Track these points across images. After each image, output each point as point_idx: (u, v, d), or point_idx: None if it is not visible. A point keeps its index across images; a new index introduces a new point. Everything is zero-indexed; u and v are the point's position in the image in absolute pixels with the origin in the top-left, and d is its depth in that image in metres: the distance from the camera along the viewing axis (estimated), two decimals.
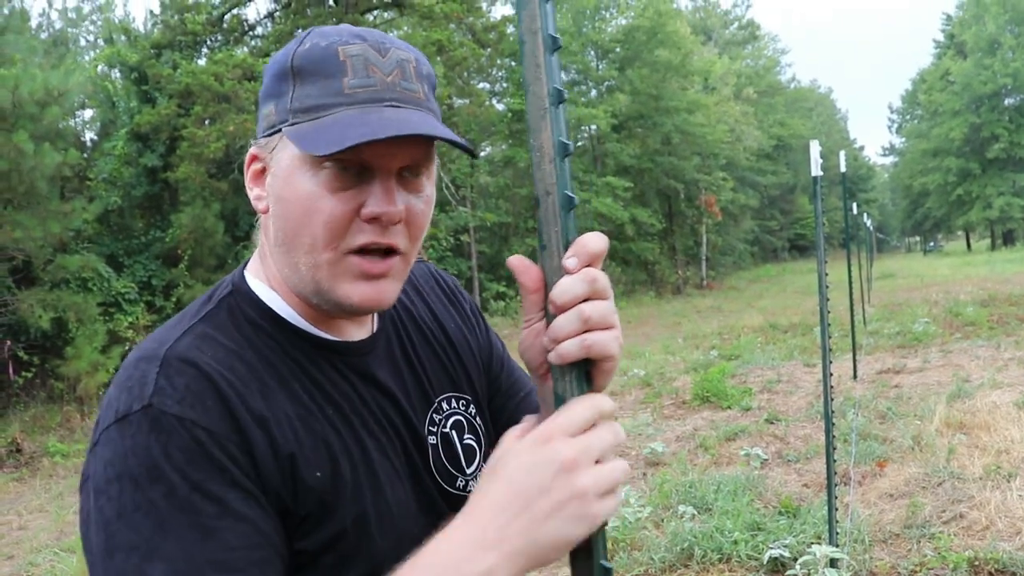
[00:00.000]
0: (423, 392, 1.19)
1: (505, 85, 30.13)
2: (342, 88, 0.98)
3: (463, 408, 1.23)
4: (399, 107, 0.99)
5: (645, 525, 5.55)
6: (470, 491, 1.07)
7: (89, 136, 18.55)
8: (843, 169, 9.49)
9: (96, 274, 14.91)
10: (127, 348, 14.97)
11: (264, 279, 1.09)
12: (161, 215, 17.27)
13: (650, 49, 32.72)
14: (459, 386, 1.25)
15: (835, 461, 4.68)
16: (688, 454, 7.41)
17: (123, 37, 18.10)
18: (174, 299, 16.09)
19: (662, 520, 5.64)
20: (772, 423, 8.27)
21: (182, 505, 0.86)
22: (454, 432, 1.20)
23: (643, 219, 31.91)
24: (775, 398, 9.56)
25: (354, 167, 0.98)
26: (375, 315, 1.17)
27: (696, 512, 5.69)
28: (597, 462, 0.84)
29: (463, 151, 1.04)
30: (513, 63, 29.25)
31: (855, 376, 10.05)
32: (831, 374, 4.59)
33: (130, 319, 15.14)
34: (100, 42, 19.97)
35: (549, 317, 0.87)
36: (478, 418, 1.25)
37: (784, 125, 56.30)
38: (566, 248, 0.85)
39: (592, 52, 34.48)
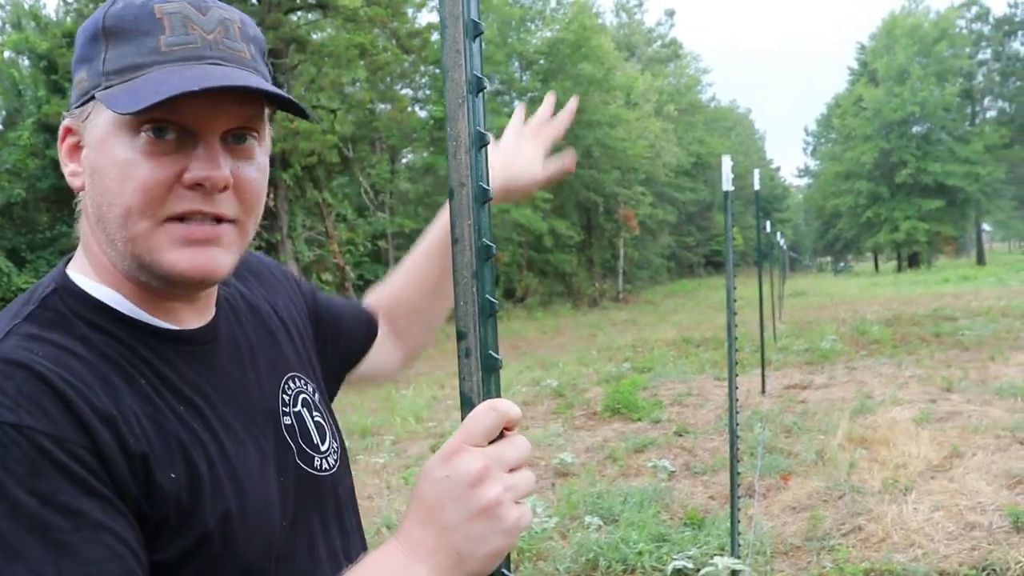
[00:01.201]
0: (270, 375, 1.13)
1: (428, 92, 30.05)
2: (158, 46, 0.91)
3: (304, 386, 1.18)
4: (221, 65, 0.93)
5: (551, 535, 5.52)
6: (326, 471, 1.13)
7: None
8: (757, 187, 9.66)
9: None
10: None
11: (90, 272, 1.00)
12: (68, 209, 16.66)
13: (574, 62, 33.03)
14: (299, 366, 1.20)
15: (740, 474, 4.73)
16: (597, 465, 7.43)
17: (33, 24, 17.49)
18: None
19: (568, 530, 5.62)
20: (681, 435, 8.34)
21: (31, 524, 0.77)
22: (304, 410, 1.15)
23: (562, 231, 32.14)
24: (685, 411, 9.66)
25: (174, 131, 0.91)
26: (214, 301, 1.09)
27: (602, 523, 5.69)
28: (510, 471, 0.83)
29: (295, 113, 0.98)
30: (437, 70, 29.20)
31: (763, 391, 10.22)
32: (737, 387, 4.63)
33: None
34: (8, 28, 19.28)
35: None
36: (317, 395, 1.20)
37: (703, 143, 57.33)
38: (479, 243, 0.81)
39: (516, 63, 34.61)
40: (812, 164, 74.21)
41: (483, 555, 0.81)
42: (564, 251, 34.26)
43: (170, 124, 0.91)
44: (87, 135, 0.95)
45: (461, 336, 0.82)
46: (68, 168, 1.00)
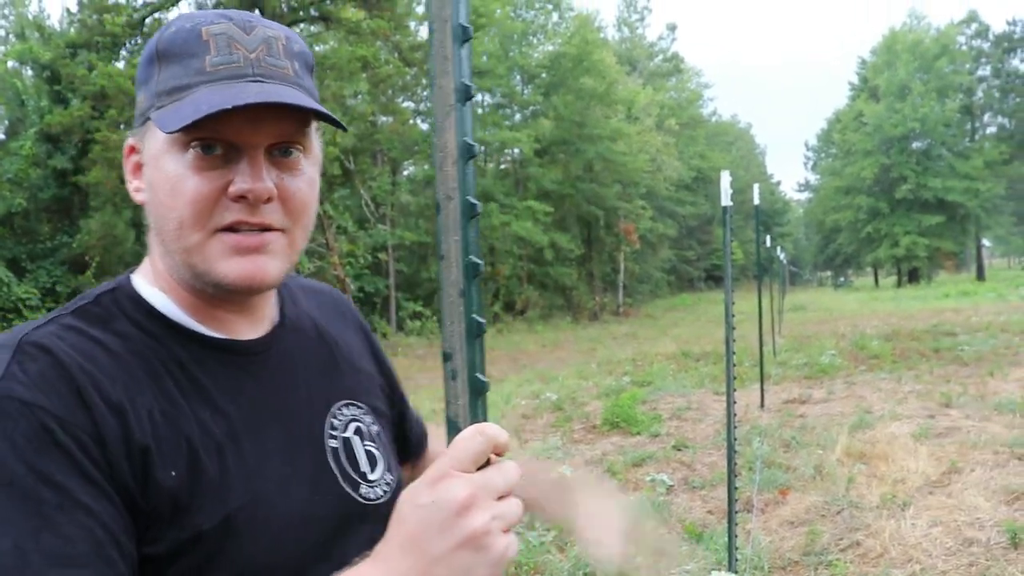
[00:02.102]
0: (321, 398, 1.14)
1: (429, 105, 30.02)
2: (204, 67, 0.96)
3: (361, 415, 1.19)
4: (263, 82, 0.97)
5: (549, 549, 5.51)
6: (373, 500, 1.13)
7: None
8: (757, 202, 9.68)
9: None
10: None
11: (150, 278, 1.06)
12: (69, 220, 16.75)
13: (575, 76, 33.09)
14: (357, 394, 1.21)
15: (738, 488, 4.73)
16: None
17: (36, 34, 17.55)
18: None
19: (566, 544, 5.61)
20: (680, 450, 8.33)
21: (23, 494, 0.82)
22: (356, 437, 1.16)
23: (562, 244, 32.17)
24: (684, 425, 9.66)
25: (221, 146, 0.96)
26: (269, 316, 1.14)
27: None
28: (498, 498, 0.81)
29: (333, 125, 1.01)
30: None
31: (762, 405, 10.21)
32: (735, 402, 4.63)
33: None
34: (12, 38, 19.34)
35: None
36: (374, 426, 1.21)
37: (704, 157, 57.43)
38: (466, 260, 0.78)
39: (518, 76, 34.71)
40: (812, 179, 74.34)
41: None
42: (564, 264, 34.30)
43: (216, 140, 0.96)
44: (146, 153, 1.01)
45: (447, 357, 0.79)
46: (132, 184, 1.06)
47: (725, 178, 4.43)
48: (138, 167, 1.04)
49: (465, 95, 0.78)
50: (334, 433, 1.13)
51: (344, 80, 20.38)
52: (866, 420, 8.73)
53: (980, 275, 55.11)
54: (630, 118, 40.15)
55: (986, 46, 56.94)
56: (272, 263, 1.01)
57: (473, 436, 0.79)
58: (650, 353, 18.57)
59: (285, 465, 1.04)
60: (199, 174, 0.96)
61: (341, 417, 1.15)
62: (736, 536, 4.60)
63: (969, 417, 8.61)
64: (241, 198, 0.96)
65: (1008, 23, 57.60)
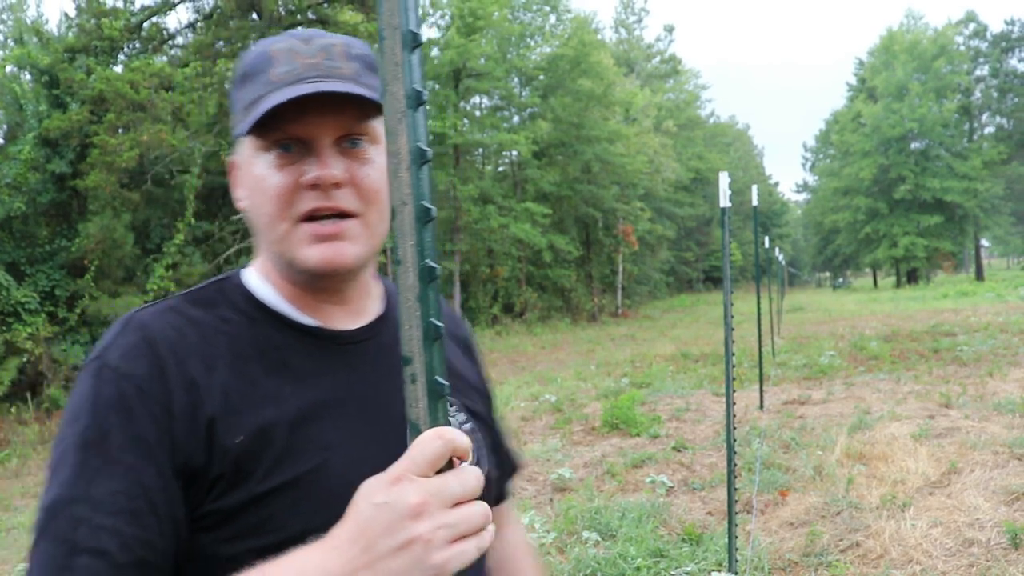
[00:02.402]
0: None
1: (427, 108, 30.06)
2: (270, 78, 1.09)
3: (454, 411, 1.26)
4: (319, 81, 1.07)
5: (549, 551, 5.52)
6: None
7: None
8: (755, 203, 9.69)
9: None
10: (24, 360, 14.39)
11: (259, 271, 1.19)
12: (68, 223, 16.70)
13: (573, 78, 33.05)
14: (452, 394, 1.25)
15: (738, 489, 4.73)
16: (595, 480, 7.42)
17: (35, 38, 17.51)
18: (78, 310, 15.53)
19: (566, 546, 5.62)
20: (679, 451, 8.34)
21: (85, 444, 0.97)
22: None
23: (561, 246, 32.10)
24: (683, 426, 9.66)
25: (295, 145, 1.08)
26: (369, 309, 1.23)
27: (600, 538, 5.69)
28: (452, 506, 0.81)
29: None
30: (437, 85, 29.25)
31: (762, 406, 10.22)
32: (735, 403, 4.64)
33: (29, 330, 14.52)
34: (10, 42, 19.33)
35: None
36: (467, 424, 1.27)
37: (702, 158, 57.40)
38: (422, 264, 0.79)
39: (516, 78, 34.69)
40: (811, 180, 74.25)
41: None
42: (563, 266, 34.29)
43: (290, 139, 1.08)
44: (241, 164, 1.15)
45: (406, 361, 0.80)
46: (236, 194, 1.19)
47: (724, 179, 4.44)
48: (238, 179, 1.18)
49: (416, 100, 0.79)
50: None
51: None
52: (865, 421, 8.74)
53: (979, 275, 55.12)
54: (628, 119, 40.14)
55: (984, 46, 56.94)
56: (350, 247, 1.10)
57: (432, 440, 0.80)
58: (649, 354, 18.58)
59: (361, 445, 1.11)
60: (279, 171, 1.08)
61: None
62: (736, 537, 4.60)
63: (968, 418, 8.62)
64: (314, 186, 1.07)
65: (1006, 23, 57.65)
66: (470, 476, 0.82)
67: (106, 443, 0.97)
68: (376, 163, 1.12)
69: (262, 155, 1.09)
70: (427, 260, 0.79)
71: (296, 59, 1.09)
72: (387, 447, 1.09)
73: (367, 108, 1.08)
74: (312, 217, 1.08)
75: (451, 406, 1.23)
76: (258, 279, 1.18)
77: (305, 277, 1.12)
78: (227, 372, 1.05)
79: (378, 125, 1.12)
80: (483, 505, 0.83)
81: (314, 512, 1.02)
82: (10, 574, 6.11)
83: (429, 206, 0.79)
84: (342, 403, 1.11)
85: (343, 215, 1.09)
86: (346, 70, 1.10)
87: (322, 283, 1.14)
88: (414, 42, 0.78)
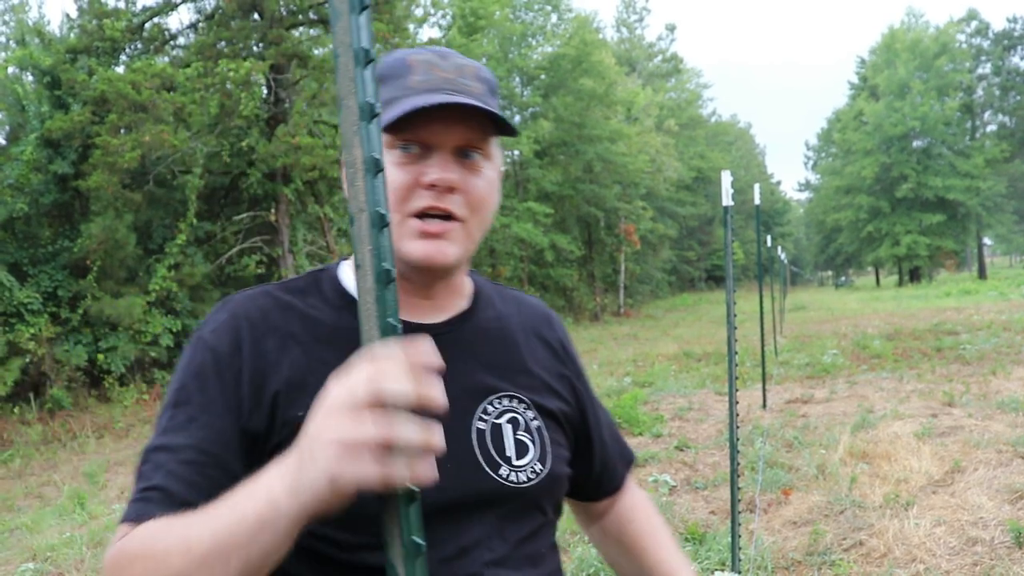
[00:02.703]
0: (482, 385, 1.30)
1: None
2: (408, 84, 1.21)
3: (523, 409, 1.32)
4: (452, 94, 1.18)
5: None
6: (512, 483, 1.26)
7: None
8: (757, 202, 9.67)
9: None
10: (27, 361, 14.39)
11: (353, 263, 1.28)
12: (70, 224, 16.69)
13: (575, 78, 33.03)
14: (523, 391, 1.34)
15: (741, 489, 4.73)
16: None
17: (37, 39, 17.48)
18: (80, 311, 15.53)
19: (569, 545, 5.61)
20: (682, 450, 8.33)
21: (177, 401, 1.17)
22: (509, 426, 1.29)
23: (563, 245, 32.08)
24: (686, 425, 9.65)
25: (418, 147, 1.19)
26: (450, 308, 1.33)
27: None
28: (397, 418, 0.79)
29: (507, 133, 1.24)
30: None
31: (764, 405, 10.21)
32: (738, 402, 4.63)
33: (32, 330, 14.51)
34: (12, 43, 19.30)
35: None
36: (535, 421, 1.33)
37: (704, 158, 57.36)
38: (379, 267, 0.82)
39: (517, 78, 34.69)
40: (813, 178, 74.18)
41: (323, 490, 0.82)
42: (565, 266, 34.27)
43: (414, 142, 1.19)
44: None
45: None
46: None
47: (726, 178, 4.43)
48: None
49: (370, 113, 0.83)
50: (485, 418, 1.28)
51: None
52: (868, 420, 8.73)
53: (981, 274, 55.06)
54: (630, 119, 40.13)
55: (986, 44, 56.85)
56: (451, 248, 1.21)
57: (385, 348, 0.82)
58: (651, 353, 18.57)
59: None
60: (401, 168, 1.19)
61: (497, 406, 1.30)
62: (739, 536, 4.59)
63: (972, 416, 8.61)
64: (432, 186, 1.18)
65: (1008, 20, 57.70)
66: (432, 391, 0.82)
67: (189, 403, 1.15)
68: (486, 176, 1.24)
69: (391, 150, 1.19)
70: (384, 264, 0.83)
71: (433, 71, 1.21)
72: (445, 432, 1.16)
73: (487, 126, 1.21)
74: (421, 215, 1.19)
75: (520, 403, 1.32)
76: (349, 271, 1.30)
77: (402, 269, 1.23)
78: (300, 352, 1.19)
79: (494, 143, 1.26)
80: (417, 427, 0.81)
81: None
82: (12, 574, 6.11)
83: (384, 212, 0.83)
84: None
85: (449, 217, 1.20)
86: (475, 89, 1.22)
87: (418, 277, 1.26)
88: (366, 58, 0.82)
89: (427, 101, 1.13)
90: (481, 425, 1.26)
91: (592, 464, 1.50)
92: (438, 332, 1.24)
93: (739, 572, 4.50)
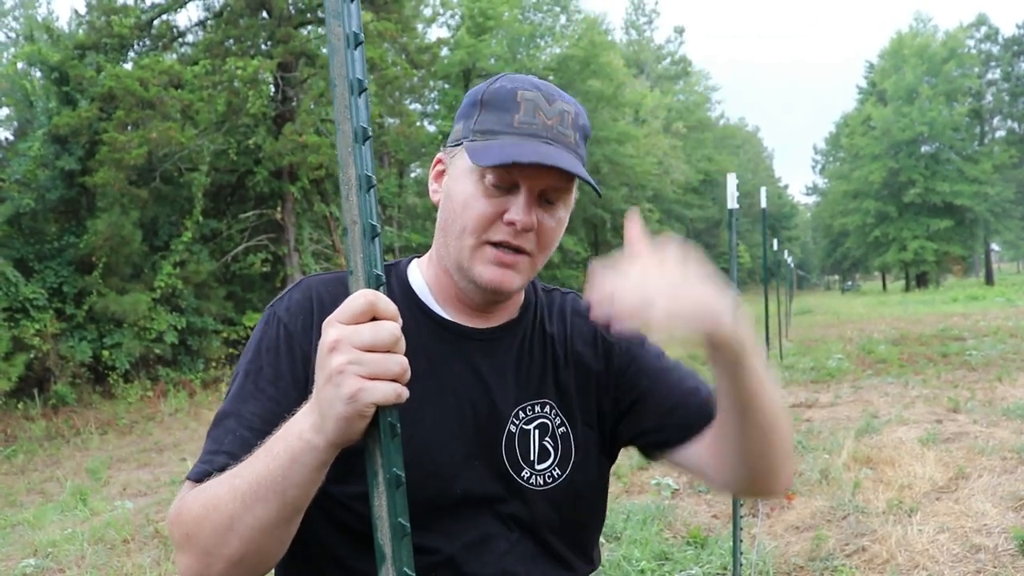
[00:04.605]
0: (520, 392, 1.40)
1: (437, 107, 30.09)
2: (512, 122, 1.30)
3: (552, 417, 1.42)
4: (551, 144, 1.29)
5: None
6: (533, 485, 1.37)
7: (3, 135, 17.90)
8: (763, 205, 9.65)
9: (3, 278, 14.35)
10: (32, 356, 14.41)
11: (423, 264, 1.47)
12: (77, 220, 16.70)
13: (583, 79, 33.02)
14: (557, 400, 1.44)
15: None
16: None
17: (45, 36, 17.49)
18: (86, 307, 15.54)
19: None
20: None
21: (247, 372, 1.30)
22: (536, 432, 1.40)
23: (569, 247, 32.10)
24: None
25: (507, 183, 1.28)
26: (499, 318, 1.44)
27: (605, 540, 5.66)
28: (370, 351, 0.98)
29: (593, 189, 1.30)
30: (447, 85, 29.24)
31: None
32: None
33: (37, 326, 14.52)
34: (21, 39, 19.32)
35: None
36: (564, 428, 1.43)
37: (712, 160, 57.27)
38: (370, 273, 0.98)
39: None
40: (820, 182, 74.01)
41: (333, 417, 1.00)
42: (571, 267, 34.23)
43: (504, 183, 1.28)
44: (451, 168, 1.36)
45: None
46: (432, 187, 1.41)
47: (731, 180, 4.41)
48: (440, 175, 1.40)
49: (363, 136, 0.95)
50: (516, 422, 1.39)
51: None
52: (873, 425, 8.69)
53: (989, 280, 54.92)
54: (638, 121, 40.12)
55: (995, 49, 56.72)
56: (517, 278, 1.33)
57: (356, 297, 0.99)
58: None
59: (453, 426, 1.34)
60: (487, 199, 1.29)
61: (529, 412, 1.40)
62: (741, 541, 4.57)
63: (977, 422, 8.57)
64: (511, 224, 1.28)
65: (1018, 26, 57.34)
66: (383, 329, 0.99)
67: (260, 374, 1.29)
68: (558, 217, 1.35)
69: (475, 177, 1.29)
70: (375, 270, 0.98)
71: (538, 115, 1.30)
72: (476, 430, 1.36)
73: (571, 178, 1.30)
74: (497, 243, 1.30)
75: (552, 410, 1.42)
76: (416, 270, 1.45)
77: (468, 285, 1.35)
78: None
79: (572, 191, 1.36)
80: (398, 357, 1.00)
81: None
82: (14, 570, 6.11)
83: (375, 224, 0.96)
84: (446, 389, 1.35)
85: (520, 251, 1.31)
86: (570, 138, 1.32)
87: (480, 296, 1.37)
88: (360, 87, 0.95)
89: (526, 157, 1.22)
90: (512, 429, 1.38)
91: (661, 414, 1.47)
92: (483, 338, 1.40)
93: None
